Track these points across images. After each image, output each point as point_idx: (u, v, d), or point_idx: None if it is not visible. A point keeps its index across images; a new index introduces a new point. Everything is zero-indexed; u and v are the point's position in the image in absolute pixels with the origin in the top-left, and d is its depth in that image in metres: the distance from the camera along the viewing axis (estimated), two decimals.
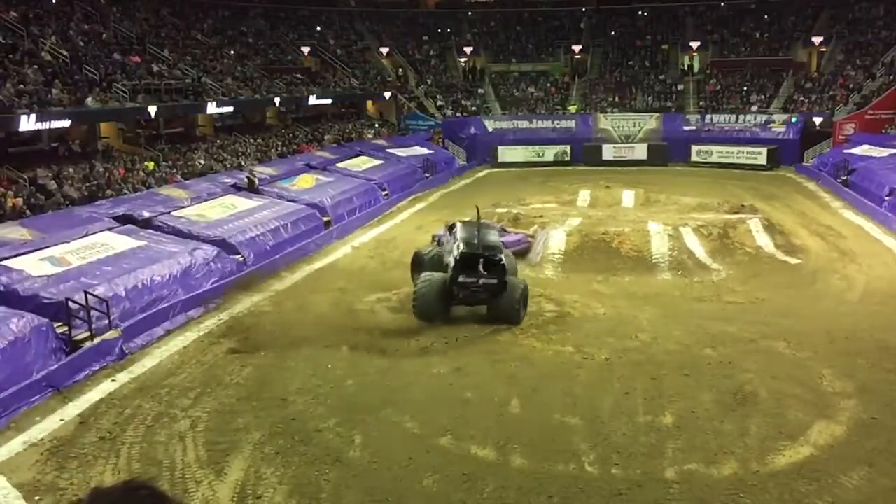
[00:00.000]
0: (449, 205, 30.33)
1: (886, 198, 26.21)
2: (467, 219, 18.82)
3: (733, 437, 10.71)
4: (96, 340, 13.99)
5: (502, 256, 15.98)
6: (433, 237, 22.45)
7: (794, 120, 40.34)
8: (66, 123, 24.04)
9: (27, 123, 21.94)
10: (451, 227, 17.83)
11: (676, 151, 40.54)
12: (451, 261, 15.98)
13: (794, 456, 10.15)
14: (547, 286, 18.38)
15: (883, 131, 36.50)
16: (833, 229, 24.52)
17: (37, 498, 9.54)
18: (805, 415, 11.32)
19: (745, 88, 44.49)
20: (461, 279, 15.50)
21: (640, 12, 51.53)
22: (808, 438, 10.61)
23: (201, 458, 10.41)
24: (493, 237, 16.99)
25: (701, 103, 44.58)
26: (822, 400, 11.90)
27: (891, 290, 17.94)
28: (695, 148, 40.79)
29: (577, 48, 49.15)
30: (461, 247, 15.84)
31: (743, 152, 39.76)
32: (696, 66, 47.55)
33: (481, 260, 15.56)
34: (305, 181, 28.11)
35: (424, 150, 38.79)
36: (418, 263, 17.67)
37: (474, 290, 15.55)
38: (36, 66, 25.27)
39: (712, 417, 11.32)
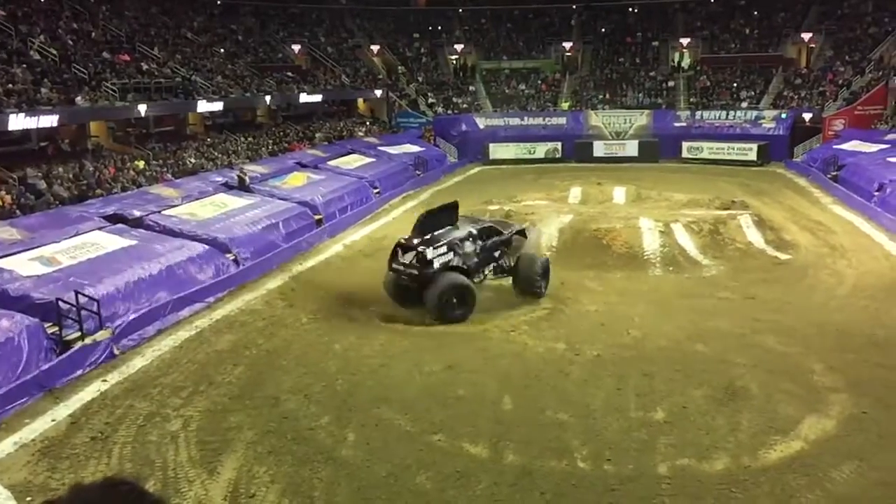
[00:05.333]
0: (441, 202, 30.23)
1: (876, 193, 26.33)
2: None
3: (725, 432, 10.75)
4: (87, 340, 13.95)
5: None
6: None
7: (783, 116, 40.49)
8: (55, 119, 23.76)
9: (16, 122, 21.81)
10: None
11: (667, 148, 40.63)
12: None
13: (786, 450, 10.20)
14: None
15: (872, 127, 36.67)
16: (823, 225, 24.63)
17: (28, 499, 9.50)
18: (796, 409, 11.37)
19: (735, 85, 44.63)
20: (394, 265, 16.37)
21: (630, 9, 51.60)
22: (798, 433, 10.66)
23: (193, 458, 10.39)
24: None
25: (691, 100, 44.70)
26: (813, 394, 11.95)
27: (880, 284, 18.03)
28: (685, 144, 40.87)
29: (567, 45, 49.21)
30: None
31: (733, 148, 39.87)
32: (687, 63, 47.65)
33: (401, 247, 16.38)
34: (296, 179, 28.06)
35: (416, 148, 38.77)
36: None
37: (404, 276, 16.33)
38: (24, 65, 25.15)
39: (704, 413, 11.36)
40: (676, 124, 42.45)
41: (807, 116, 39.78)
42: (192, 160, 28.85)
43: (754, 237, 21.75)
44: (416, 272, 15.80)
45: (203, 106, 31.10)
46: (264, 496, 9.43)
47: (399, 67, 48.26)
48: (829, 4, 46.39)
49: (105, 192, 23.04)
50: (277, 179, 27.54)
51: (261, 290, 18.69)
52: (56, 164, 23.95)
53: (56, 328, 13.95)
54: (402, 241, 16.28)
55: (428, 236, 16.19)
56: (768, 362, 13.27)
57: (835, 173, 31.43)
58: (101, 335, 14.25)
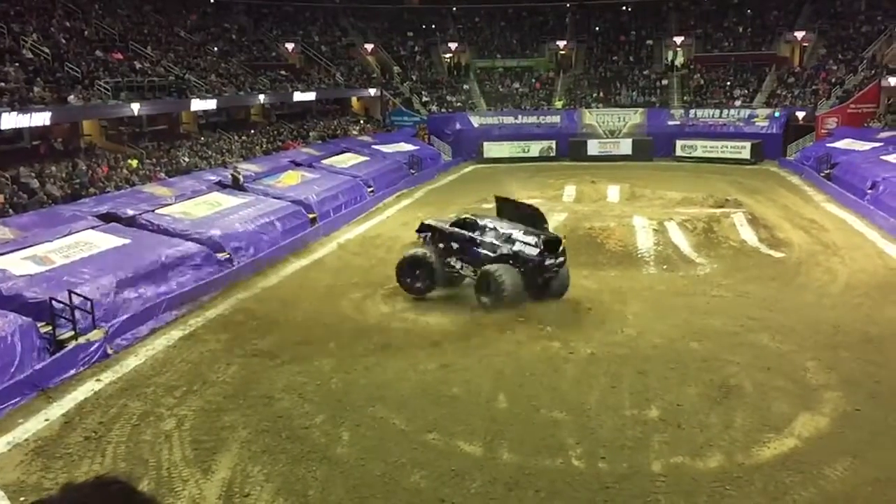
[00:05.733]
0: (434, 201, 30.32)
1: (868, 191, 26.44)
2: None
3: (719, 429, 10.77)
4: (80, 340, 13.90)
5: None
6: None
7: (776, 114, 40.60)
8: (47, 116, 23.59)
9: (8, 121, 21.72)
10: (465, 224, 17.84)
11: (661, 146, 40.73)
12: (523, 249, 16.48)
13: (779, 448, 10.22)
14: None
15: (865, 125, 36.80)
16: (816, 223, 24.70)
17: (22, 499, 9.45)
18: (789, 407, 11.40)
19: (729, 83, 44.74)
20: (548, 262, 16.36)
21: (623, 7, 51.67)
22: (792, 430, 10.68)
23: (188, 457, 10.36)
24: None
25: (685, 98, 44.80)
26: (807, 392, 11.99)
27: (873, 282, 18.09)
28: (679, 143, 40.97)
29: (561, 43, 49.27)
30: (537, 235, 16.65)
31: (727, 147, 39.98)
32: (680, 61, 47.72)
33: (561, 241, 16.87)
34: (290, 178, 28.01)
35: (410, 147, 38.74)
36: (414, 266, 17.39)
37: (555, 270, 16.61)
38: (17, 64, 25.04)
39: (698, 410, 11.38)
40: (670, 123, 42.54)
41: (800, 115, 39.92)
42: (186, 159, 28.79)
43: (748, 235, 21.80)
44: (564, 259, 16.73)
45: (196, 104, 31.03)
46: (259, 495, 9.41)
47: (395, 68, 48.19)
48: (821, 3, 46.50)
49: (98, 190, 22.98)
50: (271, 178, 27.50)
51: (254, 288, 18.66)
52: (49, 163, 23.86)
53: (49, 327, 13.91)
54: (550, 237, 16.84)
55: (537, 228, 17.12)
56: (762, 360, 13.30)
57: (828, 171, 31.53)
58: (95, 334, 14.20)
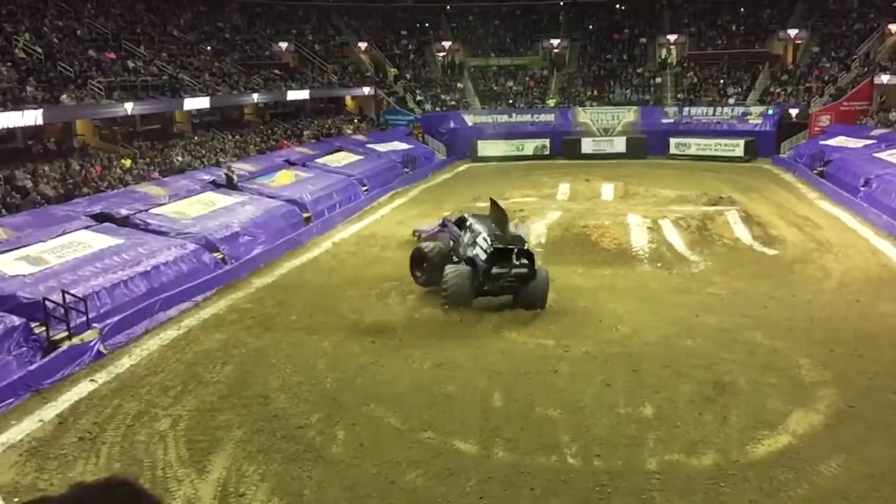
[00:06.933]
0: (429, 200, 30.31)
1: (862, 188, 26.51)
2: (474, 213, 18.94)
3: (713, 427, 10.81)
4: (74, 340, 13.87)
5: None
6: (413, 232, 22.47)
7: (770, 112, 40.64)
8: (39, 114, 23.37)
9: (0, 119, 21.64)
10: (459, 222, 17.88)
11: (655, 144, 40.74)
12: (478, 253, 16.09)
13: (773, 445, 10.26)
14: None
15: (858, 123, 36.90)
16: (810, 220, 24.76)
17: (16, 500, 9.44)
18: (783, 404, 11.43)
19: (722, 81, 44.79)
20: (495, 271, 15.76)
21: (617, 5, 51.69)
22: (786, 427, 10.72)
23: (183, 457, 10.36)
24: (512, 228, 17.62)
25: (679, 96, 44.81)
26: (800, 389, 12.03)
27: (866, 278, 18.16)
28: (673, 140, 40.98)
29: (555, 42, 49.29)
30: (490, 240, 16.09)
31: (720, 144, 39.99)
32: (674, 59, 47.77)
33: (514, 250, 16.00)
34: (285, 177, 27.98)
35: (404, 145, 38.74)
36: (419, 260, 17.44)
37: (509, 279, 15.91)
38: (9, 64, 24.95)
39: (692, 408, 11.41)
40: (664, 121, 42.53)
41: (793, 112, 39.98)
42: (180, 158, 28.72)
43: (742, 233, 21.86)
44: (526, 271, 15.89)
45: (190, 104, 30.94)
46: (254, 495, 9.41)
47: (393, 70, 48.09)
48: (814, 0, 46.59)
49: (92, 190, 22.91)
50: (265, 177, 27.46)
51: (249, 288, 18.64)
52: (42, 163, 23.78)
53: (43, 328, 13.87)
54: (500, 245, 15.97)
55: (513, 236, 16.58)
56: (756, 357, 13.35)
57: (821, 169, 31.60)
58: (89, 335, 14.18)
